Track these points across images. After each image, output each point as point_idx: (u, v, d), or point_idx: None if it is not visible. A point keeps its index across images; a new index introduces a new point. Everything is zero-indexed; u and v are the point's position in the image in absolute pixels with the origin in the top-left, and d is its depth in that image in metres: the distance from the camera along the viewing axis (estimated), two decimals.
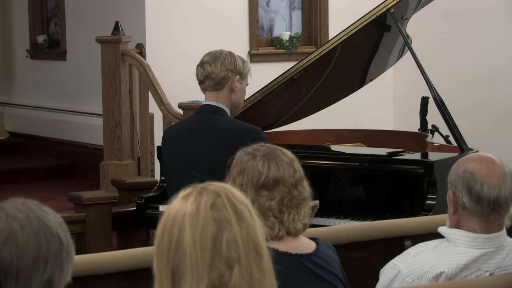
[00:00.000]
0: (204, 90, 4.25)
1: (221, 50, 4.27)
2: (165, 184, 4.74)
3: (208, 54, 4.26)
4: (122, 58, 6.63)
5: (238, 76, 4.20)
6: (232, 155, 2.67)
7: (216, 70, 4.17)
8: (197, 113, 4.29)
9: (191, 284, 1.69)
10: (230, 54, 4.24)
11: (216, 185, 1.81)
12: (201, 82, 4.24)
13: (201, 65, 4.23)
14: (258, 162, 2.58)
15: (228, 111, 4.21)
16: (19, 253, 1.58)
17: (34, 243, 1.59)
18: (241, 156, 2.62)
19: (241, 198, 1.79)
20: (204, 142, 4.14)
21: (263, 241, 1.75)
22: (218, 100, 4.20)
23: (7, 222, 1.60)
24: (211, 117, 4.18)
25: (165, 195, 4.64)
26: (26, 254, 1.58)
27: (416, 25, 6.07)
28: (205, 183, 1.84)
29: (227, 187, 1.81)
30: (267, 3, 8.13)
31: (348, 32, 5.11)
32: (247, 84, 4.31)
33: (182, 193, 1.83)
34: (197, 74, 4.25)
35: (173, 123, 5.88)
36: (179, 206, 1.78)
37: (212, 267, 1.69)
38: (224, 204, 1.76)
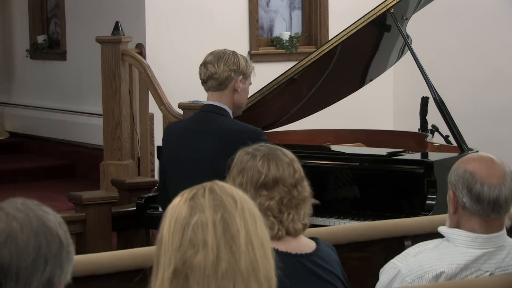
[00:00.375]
0: (206, 90, 4.22)
1: (224, 49, 4.23)
2: (159, 184, 4.70)
3: (211, 53, 4.23)
4: (122, 58, 6.63)
5: (241, 77, 4.17)
6: (233, 156, 2.67)
7: (219, 71, 4.14)
8: (198, 113, 4.26)
9: (163, 268, 1.73)
10: (234, 53, 4.21)
11: (210, 182, 1.84)
12: (204, 82, 4.20)
13: (204, 65, 4.19)
14: (258, 161, 2.58)
15: (230, 111, 4.18)
16: (19, 253, 1.58)
17: (34, 243, 1.59)
18: (241, 155, 2.62)
19: (230, 191, 1.80)
20: (206, 143, 4.11)
21: (243, 228, 1.75)
22: (220, 101, 4.16)
23: (7, 222, 1.60)
24: (213, 117, 4.15)
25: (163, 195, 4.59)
26: (26, 254, 1.58)
27: (416, 25, 6.07)
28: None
29: (218, 183, 1.83)
30: (267, 3, 8.13)
31: (348, 32, 5.11)
32: (250, 84, 4.28)
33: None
34: (200, 74, 4.21)
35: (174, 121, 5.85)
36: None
37: (178, 250, 1.72)
38: (203, 194, 1.78)
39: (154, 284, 1.74)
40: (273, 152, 2.61)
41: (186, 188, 1.86)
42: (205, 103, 4.24)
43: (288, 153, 2.64)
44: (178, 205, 1.78)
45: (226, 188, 1.80)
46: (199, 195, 1.78)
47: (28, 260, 1.58)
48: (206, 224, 1.73)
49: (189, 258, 1.71)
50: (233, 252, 1.72)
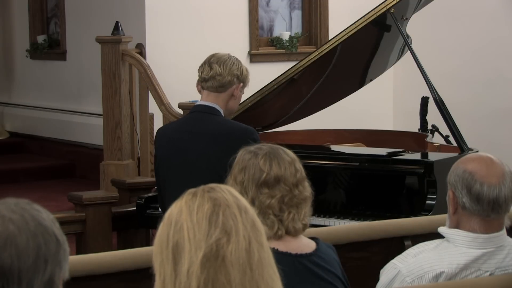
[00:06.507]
0: (203, 88, 4.17)
1: (228, 54, 4.22)
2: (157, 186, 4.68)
3: (214, 55, 4.18)
4: (122, 58, 6.63)
5: (241, 84, 4.18)
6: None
7: (224, 73, 4.11)
8: (190, 113, 4.23)
9: (190, 253, 1.73)
10: (237, 60, 4.20)
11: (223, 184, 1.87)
12: (204, 80, 4.14)
13: (209, 64, 4.14)
14: (260, 160, 2.59)
15: (222, 112, 4.16)
16: (19, 255, 1.57)
17: (33, 244, 1.58)
18: (243, 154, 2.63)
19: (240, 196, 1.83)
20: (199, 143, 4.10)
21: (262, 228, 1.79)
22: (215, 102, 4.14)
23: (3, 225, 1.59)
24: (206, 117, 4.12)
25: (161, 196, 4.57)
26: (26, 255, 1.57)
27: (416, 25, 6.07)
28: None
29: (226, 186, 1.85)
30: (267, 3, 8.13)
31: (348, 32, 5.12)
32: (243, 93, 4.30)
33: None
34: (201, 72, 4.15)
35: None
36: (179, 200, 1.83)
37: (208, 235, 1.73)
38: (221, 190, 1.81)
39: (172, 268, 1.75)
40: (275, 151, 2.62)
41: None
42: (197, 103, 4.22)
43: (290, 152, 2.65)
44: (194, 196, 1.79)
45: (236, 192, 1.84)
46: (218, 190, 1.81)
47: (29, 262, 1.58)
48: (234, 214, 1.76)
49: (222, 243, 1.73)
50: (260, 244, 1.76)
